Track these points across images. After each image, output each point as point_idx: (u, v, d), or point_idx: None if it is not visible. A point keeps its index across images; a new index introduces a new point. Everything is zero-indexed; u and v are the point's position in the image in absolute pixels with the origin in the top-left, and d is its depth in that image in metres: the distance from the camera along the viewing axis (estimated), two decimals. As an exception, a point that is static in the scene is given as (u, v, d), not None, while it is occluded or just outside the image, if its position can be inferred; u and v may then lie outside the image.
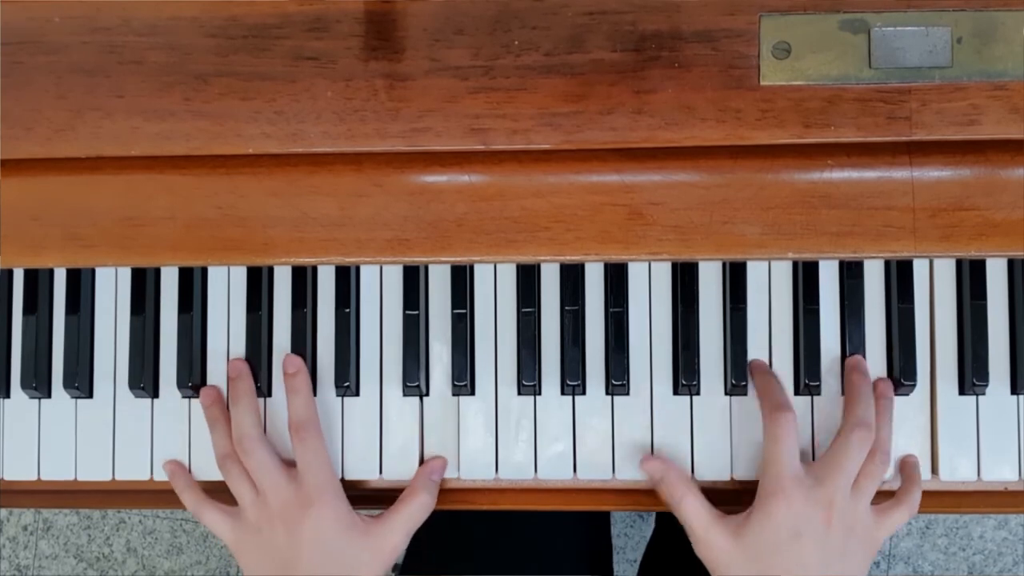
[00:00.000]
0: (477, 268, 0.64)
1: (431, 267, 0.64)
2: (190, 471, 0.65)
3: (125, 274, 0.66)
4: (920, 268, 0.63)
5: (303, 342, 0.64)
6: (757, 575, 0.57)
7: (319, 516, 0.60)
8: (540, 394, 0.64)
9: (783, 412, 0.59)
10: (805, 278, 0.63)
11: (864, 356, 0.63)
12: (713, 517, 0.59)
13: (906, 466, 0.62)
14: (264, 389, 0.65)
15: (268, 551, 0.61)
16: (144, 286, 0.66)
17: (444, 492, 0.64)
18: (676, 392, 0.64)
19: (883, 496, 0.60)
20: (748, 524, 0.58)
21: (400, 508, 0.62)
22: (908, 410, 0.63)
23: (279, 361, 0.65)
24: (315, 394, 0.64)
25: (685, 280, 0.63)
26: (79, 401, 0.67)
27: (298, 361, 0.64)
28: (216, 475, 0.64)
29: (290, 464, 0.63)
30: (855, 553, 0.58)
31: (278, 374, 0.65)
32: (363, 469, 0.64)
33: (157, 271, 0.66)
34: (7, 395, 0.67)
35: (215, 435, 0.64)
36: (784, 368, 0.63)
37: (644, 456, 0.63)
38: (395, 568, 0.95)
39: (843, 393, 0.63)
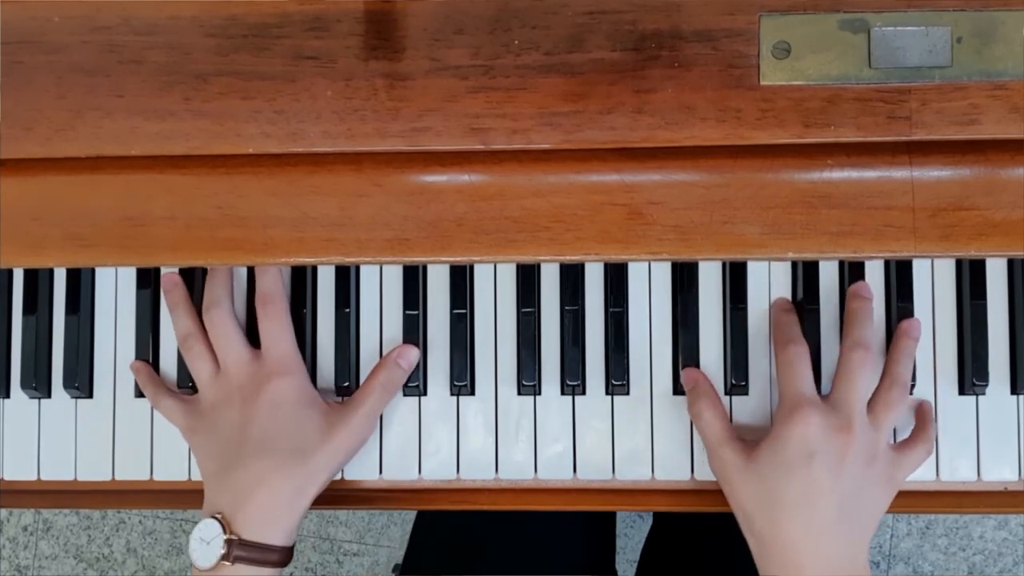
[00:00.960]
0: (477, 268, 0.64)
1: (431, 267, 0.64)
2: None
3: (125, 274, 0.66)
4: (920, 268, 0.63)
5: (303, 342, 0.64)
6: (764, 496, 0.55)
7: (278, 387, 0.59)
8: (540, 394, 0.64)
9: (794, 344, 0.59)
10: (805, 278, 0.63)
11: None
12: (729, 434, 0.59)
13: (919, 408, 0.61)
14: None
15: (222, 429, 0.59)
16: (151, 285, 0.66)
17: (444, 492, 0.64)
18: (676, 392, 0.64)
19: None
20: (762, 445, 0.57)
21: (361, 391, 0.62)
22: (908, 410, 0.63)
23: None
24: (284, 283, 0.64)
25: (685, 280, 0.63)
26: (79, 401, 0.67)
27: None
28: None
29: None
30: (873, 488, 0.56)
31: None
32: (363, 469, 0.64)
33: (157, 271, 0.66)
34: (7, 395, 0.67)
35: (176, 316, 0.63)
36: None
37: (686, 367, 0.62)
38: (395, 568, 0.95)
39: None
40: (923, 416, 0.61)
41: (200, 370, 0.62)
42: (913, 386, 0.62)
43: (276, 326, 0.61)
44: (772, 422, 0.59)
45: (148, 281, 0.66)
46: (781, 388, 0.59)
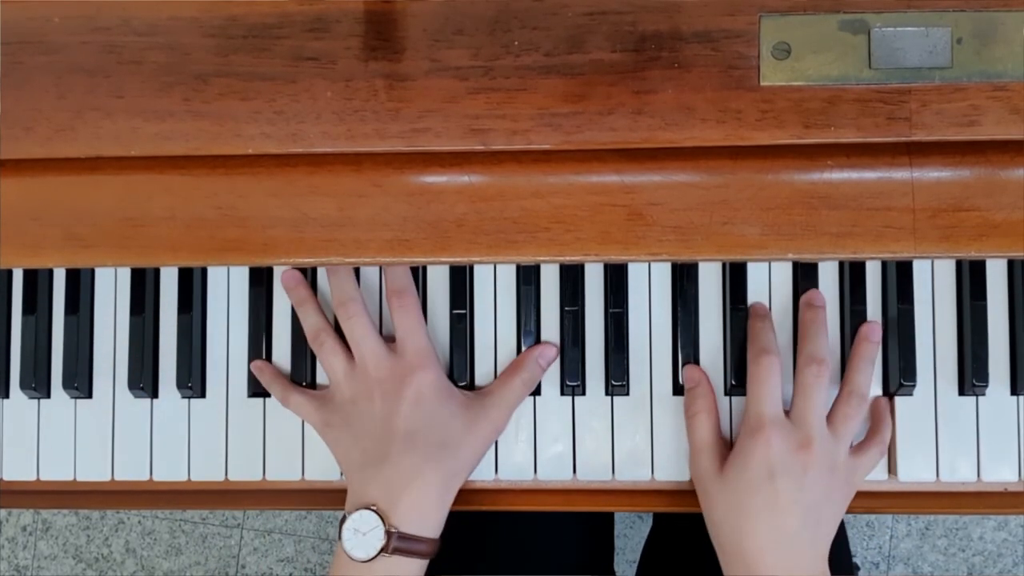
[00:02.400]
0: (477, 268, 0.64)
1: (431, 267, 0.64)
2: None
3: (125, 274, 0.66)
4: (920, 269, 0.63)
5: (304, 342, 0.64)
6: (731, 507, 0.57)
7: (420, 382, 0.59)
8: (540, 394, 0.64)
9: (767, 355, 0.59)
10: (805, 278, 0.63)
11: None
12: (713, 442, 0.60)
13: (874, 406, 0.62)
14: (264, 391, 0.65)
15: (363, 423, 0.60)
16: (144, 286, 0.66)
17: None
18: (676, 392, 0.64)
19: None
20: (730, 460, 0.58)
21: (501, 385, 0.62)
22: (908, 410, 0.63)
23: (280, 361, 0.65)
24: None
25: (685, 280, 0.63)
26: (78, 401, 0.67)
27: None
28: (218, 474, 0.64)
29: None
30: (833, 495, 0.58)
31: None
32: (363, 469, 0.64)
33: (157, 271, 0.66)
34: (6, 395, 0.67)
35: (304, 313, 0.63)
36: (783, 369, 0.63)
37: (689, 364, 0.63)
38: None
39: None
40: (877, 416, 0.62)
41: (334, 365, 0.61)
42: (913, 386, 0.62)
43: (411, 319, 0.61)
44: (738, 433, 0.60)
45: (142, 279, 0.66)
46: (747, 401, 0.60)
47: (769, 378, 0.59)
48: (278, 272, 0.65)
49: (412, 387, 0.59)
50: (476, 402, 0.61)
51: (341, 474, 0.64)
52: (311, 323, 0.63)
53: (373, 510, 0.57)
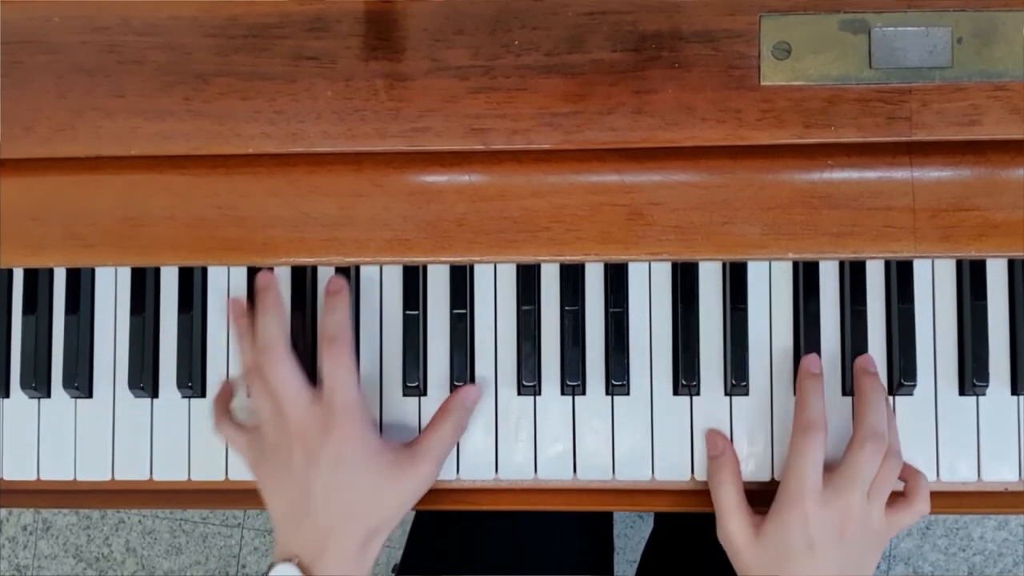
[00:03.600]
0: (477, 268, 0.64)
1: (431, 267, 0.64)
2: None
3: (125, 274, 0.66)
4: (920, 268, 0.63)
5: (303, 342, 0.64)
6: (770, 569, 0.57)
7: (341, 439, 0.57)
8: (540, 394, 0.64)
9: (814, 431, 0.59)
10: (805, 278, 0.63)
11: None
12: (739, 507, 0.60)
13: (911, 475, 0.62)
14: (264, 389, 0.65)
15: (285, 472, 0.58)
16: (144, 286, 0.66)
17: (444, 492, 0.64)
18: (676, 392, 0.63)
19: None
20: (765, 527, 0.58)
21: (428, 435, 0.61)
22: (908, 410, 0.63)
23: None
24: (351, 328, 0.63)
25: (685, 280, 0.63)
26: (79, 401, 0.67)
27: (342, 281, 0.62)
28: (218, 474, 0.64)
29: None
30: (867, 552, 0.59)
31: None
32: (363, 469, 0.64)
33: (157, 271, 0.66)
34: (7, 395, 0.67)
35: (243, 347, 0.62)
36: (783, 367, 0.63)
37: (711, 429, 0.63)
38: (393, 569, 0.95)
39: (843, 393, 0.63)
40: (914, 484, 0.61)
41: (261, 408, 0.60)
42: (913, 386, 0.62)
43: (341, 370, 0.59)
44: (777, 497, 0.59)
45: (142, 279, 0.66)
46: (788, 470, 0.59)
47: (812, 453, 0.58)
48: (278, 272, 0.65)
49: (333, 445, 0.57)
50: (403, 456, 0.60)
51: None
52: (246, 360, 0.62)
53: (295, 563, 0.56)
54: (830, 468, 0.59)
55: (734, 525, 0.59)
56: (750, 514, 0.60)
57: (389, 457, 0.59)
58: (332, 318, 0.61)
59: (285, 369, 0.59)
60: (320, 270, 0.65)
